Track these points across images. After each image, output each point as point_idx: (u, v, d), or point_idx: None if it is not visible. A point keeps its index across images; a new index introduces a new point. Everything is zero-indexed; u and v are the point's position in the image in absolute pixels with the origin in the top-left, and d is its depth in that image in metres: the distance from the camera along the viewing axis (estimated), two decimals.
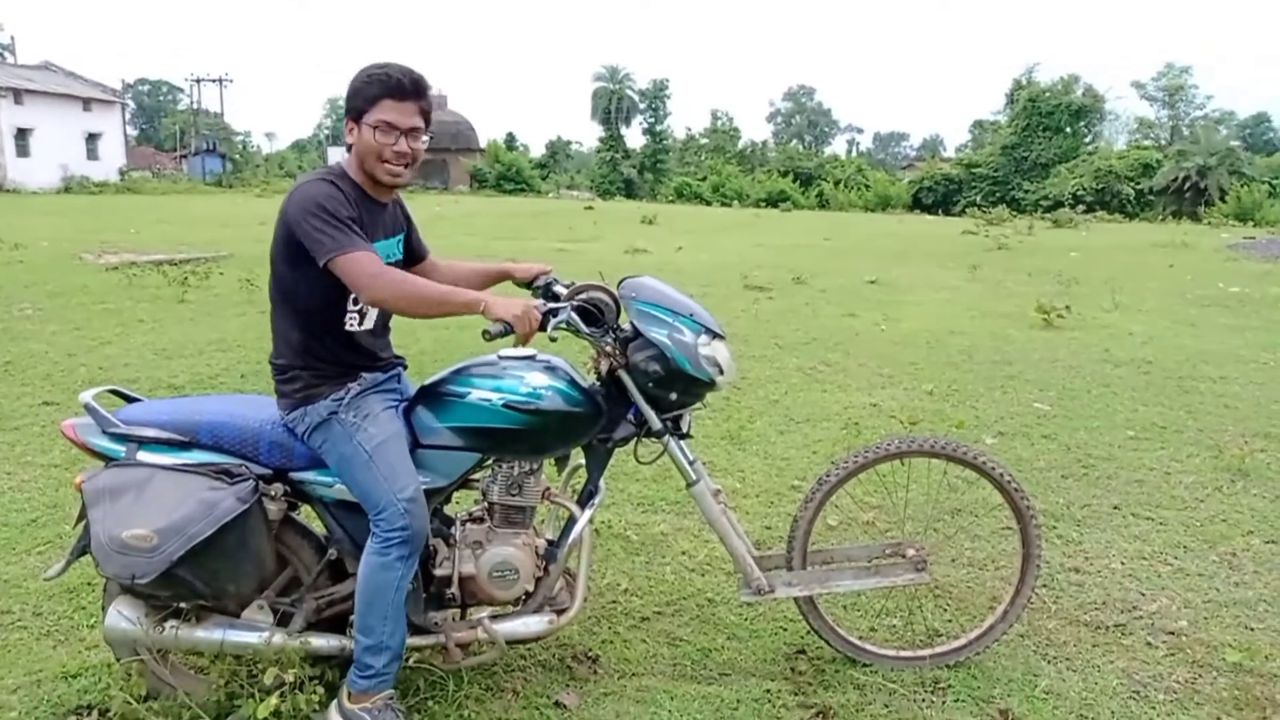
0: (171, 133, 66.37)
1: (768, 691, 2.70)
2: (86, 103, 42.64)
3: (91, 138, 42.33)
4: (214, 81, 58.26)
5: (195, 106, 59.09)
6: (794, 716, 2.59)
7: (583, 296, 2.49)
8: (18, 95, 38.16)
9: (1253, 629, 3.14)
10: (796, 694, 2.69)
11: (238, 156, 55.53)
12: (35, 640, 2.89)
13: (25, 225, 18.03)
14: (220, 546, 2.26)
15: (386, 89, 2.28)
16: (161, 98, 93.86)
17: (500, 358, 2.52)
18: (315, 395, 2.38)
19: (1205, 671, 2.86)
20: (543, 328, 2.35)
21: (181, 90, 79.70)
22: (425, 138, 2.37)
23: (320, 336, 2.39)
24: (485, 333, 2.26)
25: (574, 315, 2.40)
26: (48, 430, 4.88)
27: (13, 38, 68.21)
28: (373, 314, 2.45)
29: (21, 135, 38.14)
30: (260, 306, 8.88)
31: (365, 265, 2.22)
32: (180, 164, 55.60)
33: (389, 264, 2.46)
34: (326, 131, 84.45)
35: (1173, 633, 3.10)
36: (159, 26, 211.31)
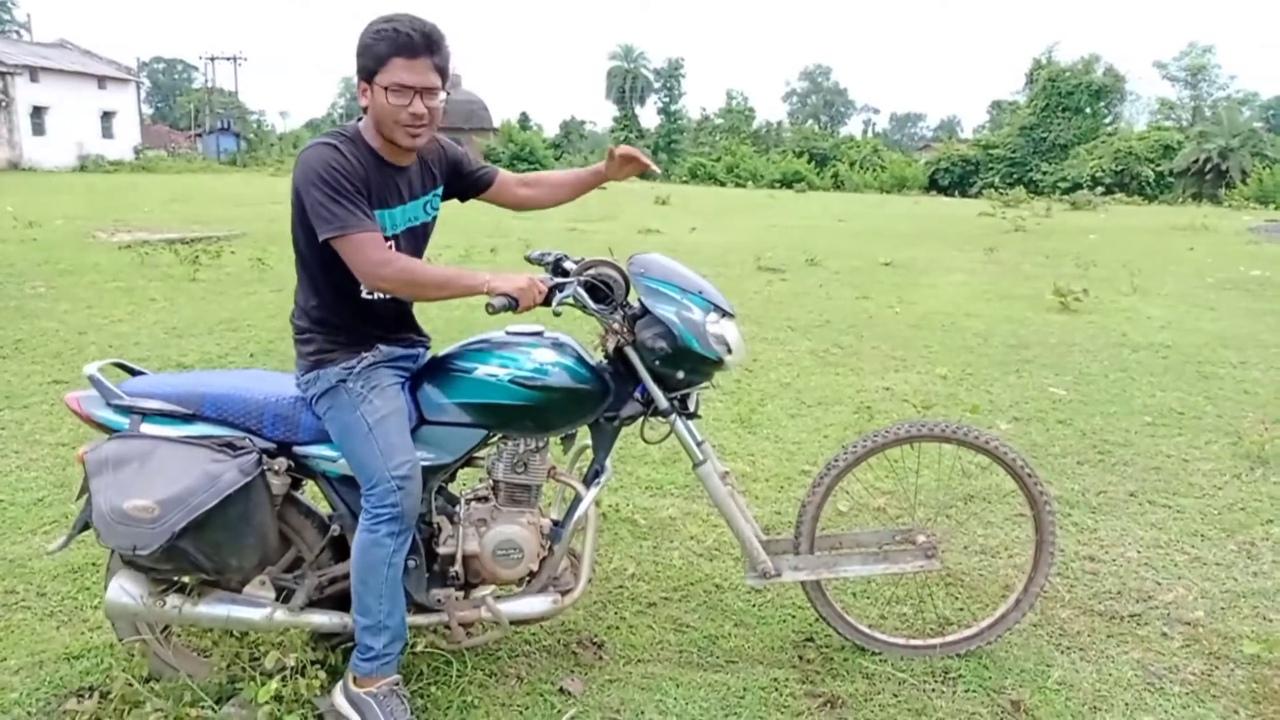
0: (186, 111, 66.34)
1: (775, 680, 2.66)
2: (102, 80, 42.69)
3: (107, 116, 42.42)
4: (228, 60, 58.32)
5: (210, 85, 59.06)
6: (801, 705, 2.55)
7: (591, 272, 2.44)
8: (34, 73, 38.22)
9: (1271, 620, 3.07)
10: (804, 683, 2.65)
11: (252, 135, 55.56)
12: (39, 621, 2.88)
13: (40, 203, 18.10)
14: (223, 519, 2.23)
15: (396, 47, 2.13)
16: (176, 76, 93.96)
17: (508, 333, 2.48)
18: (328, 360, 2.34)
19: (1222, 663, 2.81)
20: (548, 302, 2.30)
21: (196, 68, 79.90)
22: (442, 95, 2.23)
23: (335, 303, 2.34)
24: (489, 306, 2.22)
25: (581, 291, 2.36)
26: (56, 408, 4.87)
27: (29, 15, 68.48)
28: None
29: (37, 113, 38.23)
30: (272, 285, 8.87)
31: (367, 251, 2.15)
32: (195, 142, 55.70)
33: (413, 226, 2.41)
34: (340, 110, 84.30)
35: (1189, 623, 3.03)
36: (174, 4, 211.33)
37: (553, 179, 2.76)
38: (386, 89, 2.15)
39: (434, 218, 2.51)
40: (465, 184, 2.60)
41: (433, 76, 2.18)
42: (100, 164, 38.01)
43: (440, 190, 2.52)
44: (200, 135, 56.48)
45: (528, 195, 2.72)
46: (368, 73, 2.18)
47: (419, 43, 2.14)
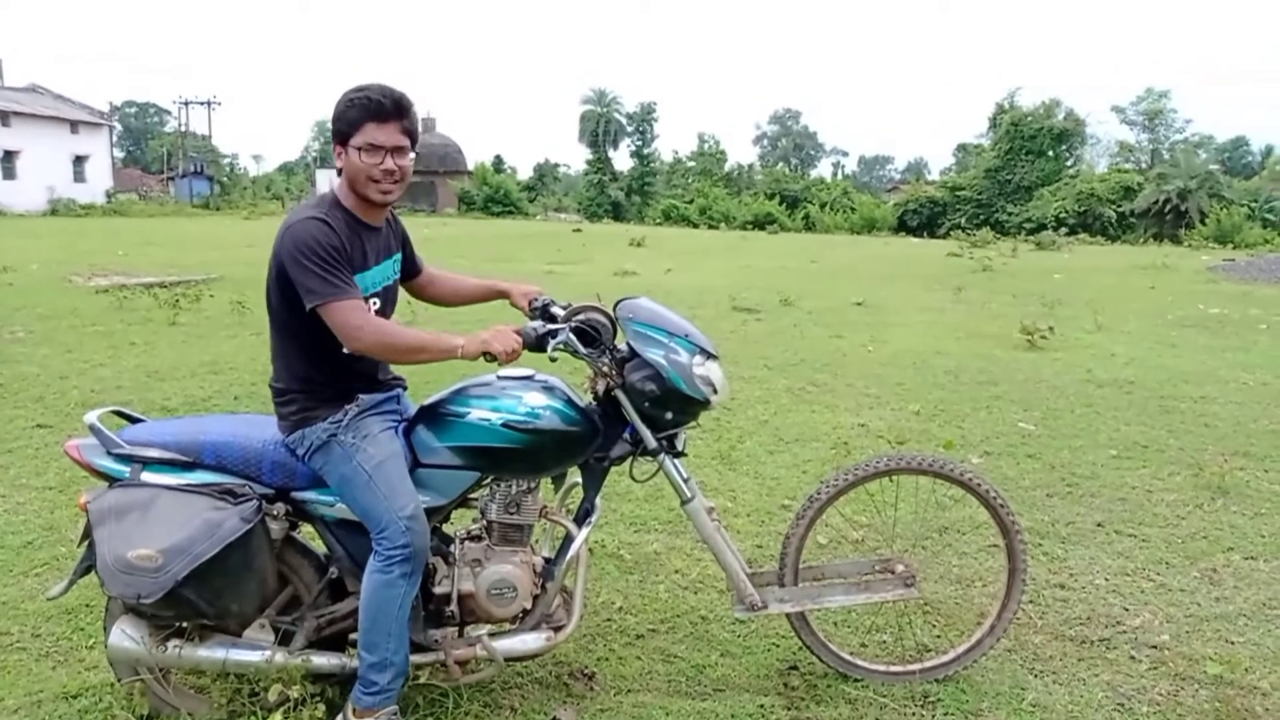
0: (159, 155, 66.33)
1: (761, 707, 2.75)
2: (74, 125, 42.64)
3: (78, 160, 42.29)
4: (202, 104, 58.37)
5: (183, 129, 59.07)
6: None
7: (580, 318, 2.55)
8: (5, 118, 38.15)
9: (1233, 643, 3.21)
10: (789, 709, 2.74)
11: (225, 179, 55.48)
12: (34, 661, 2.91)
13: (13, 247, 18.01)
14: (224, 566, 2.30)
15: (368, 112, 2.30)
16: (149, 120, 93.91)
17: (499, 378, 2.58)
18: (312, 418, 2.42)
19: (1187, 684, 2.93)
20: (541, 348, 2.41)
21: (169, 112, 79.88)
22: (411, 155, 2.39)
23: (318, 362, 2.43)
24: (485, 354, 2.32)
25: (572, 336, 2.47)
26: (42, 453, 4.89)
27: (0, 60, 68.15)
28: None
29: (8, 157, 38.12)
30: (252, 329, 8.91)
31: (350, 316, 2.27)
32: (167, 186, 55.51)
33: (386, 285, 2.53)
34: (314, 154, 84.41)
35: (1155, 647, 3.17)
36: (147, 49, 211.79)
37: (456, 283, 2.90)
38: (360, 149, 2.31)
39: (399, 276, 2.66)
40: (406, 261, 2.73)
41: (402, 138, 2.35)
42: (71, 208, 37.81)
43: (401, 256, 2.66)
44: (172, 179, 56.27)
45: (434, 293, 2.87)
46: (343, 136, 2.34)
47: (389, 108, 2.32)
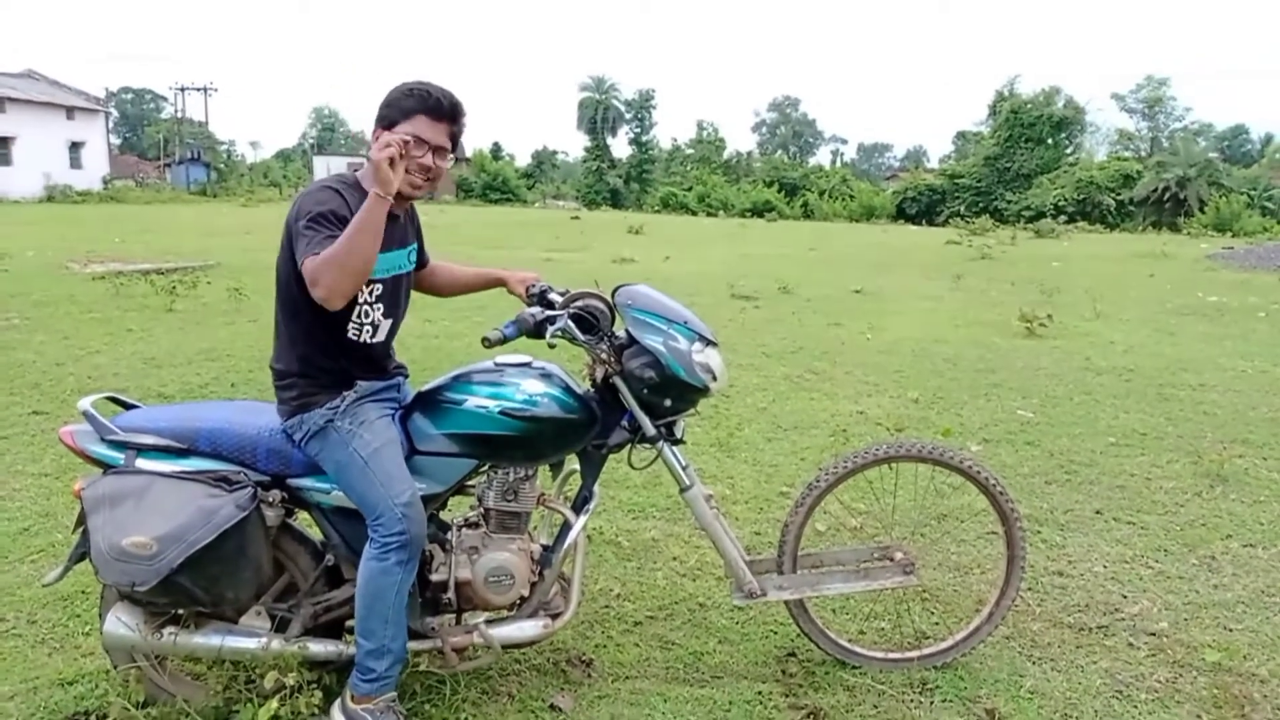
0: (155, 141, 66.01)
1: (759, 693, 2.74)
2: (70, 111, 42.48)
3: (75, 146, 42.16)
4: (199, 90, 58.08)
5: (179, 115, 58.81)
6: (785, 718, 2.63)
7: (579, 304, 2.53)
8: (0, 104, 37.96)
9: (1231, 630, 3.21)
10: (787, 696, 2.74)
11: (222, 166, 55.22)
12: (30, 648, 2.90)
13: (9, 234, 17.94)
14: (219, 553, 2.28)
15: (425, 106, 2.31)
16: (145, 106, 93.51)
17: (497, 365, 2.56)
18: (311, 403, 2.40)
19: (1185, 671, 2.93)
20: (540, 335, 2.39)
21: (165, 99, 79.69)
22: (451, 158, 2.39)
23: (322, 345, 2.40)
24: (485, 339, 2.30)
25: (570, 323, 2.45)
26: (38, 439, 4.88)
27: None
28: (384, 326, 2.46)
29: (3, 144, 37.99)
30: (249, 316, 8.88)
31: (313, 260, 2.12)
32: (164, 173, 55.29)
33: (397, 274, 2.49)
34: (311, 141, 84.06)
35: (1154, 634, 3.16)
36: (143, 35, 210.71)
37: (454, 273, 2.88)
38: (406, 139, 2.26)
39: (413, 269, 2.63)
40: (418, 253, 2.70)
41: (446, 140, 2.36)
42: (68, 194, 37.68)
43: (416, 246, 2.64)
44: (169, 165, 56.06)
45: (431, 283, 2.86)
46: (389, 122, 2.32)
47: (445, 108, 2.33)
